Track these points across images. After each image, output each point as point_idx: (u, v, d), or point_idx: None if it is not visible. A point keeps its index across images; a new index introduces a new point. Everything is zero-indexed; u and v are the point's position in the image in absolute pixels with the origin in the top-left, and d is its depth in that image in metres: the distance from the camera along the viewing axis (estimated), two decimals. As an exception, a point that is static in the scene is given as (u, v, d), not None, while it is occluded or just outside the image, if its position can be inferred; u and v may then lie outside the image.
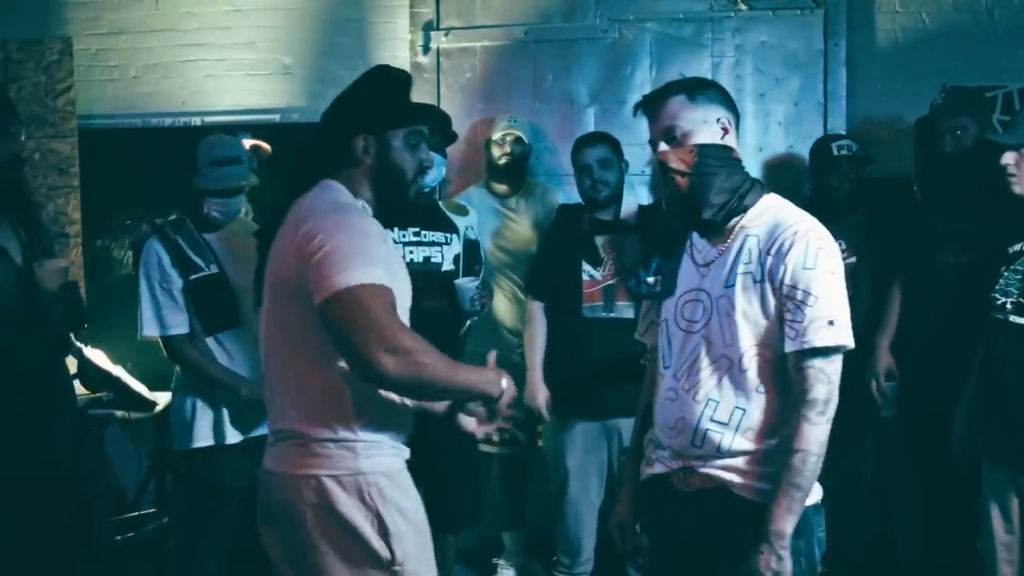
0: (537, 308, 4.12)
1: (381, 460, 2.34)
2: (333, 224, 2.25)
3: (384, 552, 2.30)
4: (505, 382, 2.40)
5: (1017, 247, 3.25)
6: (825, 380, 2.29)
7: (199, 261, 3.69)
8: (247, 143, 4.62)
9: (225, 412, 3.71)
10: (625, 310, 3.92)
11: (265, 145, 4.76)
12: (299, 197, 2.41)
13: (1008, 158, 3.17)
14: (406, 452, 2.46)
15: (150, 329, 3.71)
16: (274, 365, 2.42)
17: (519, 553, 4.61)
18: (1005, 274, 3.25)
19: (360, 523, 2.30)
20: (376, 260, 2.22)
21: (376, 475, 2.33)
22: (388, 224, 2.77)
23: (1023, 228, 3.27)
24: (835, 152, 4.27)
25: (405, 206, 2.55)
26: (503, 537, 4.60)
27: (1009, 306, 3.21)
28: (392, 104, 2.48)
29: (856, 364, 3.97)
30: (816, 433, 2.27)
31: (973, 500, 3.43)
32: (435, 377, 2.22)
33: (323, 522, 2.30)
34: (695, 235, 2.52)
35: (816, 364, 2.28)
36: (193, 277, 3.68)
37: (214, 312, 3.70)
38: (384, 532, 2.31)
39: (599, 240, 4.01)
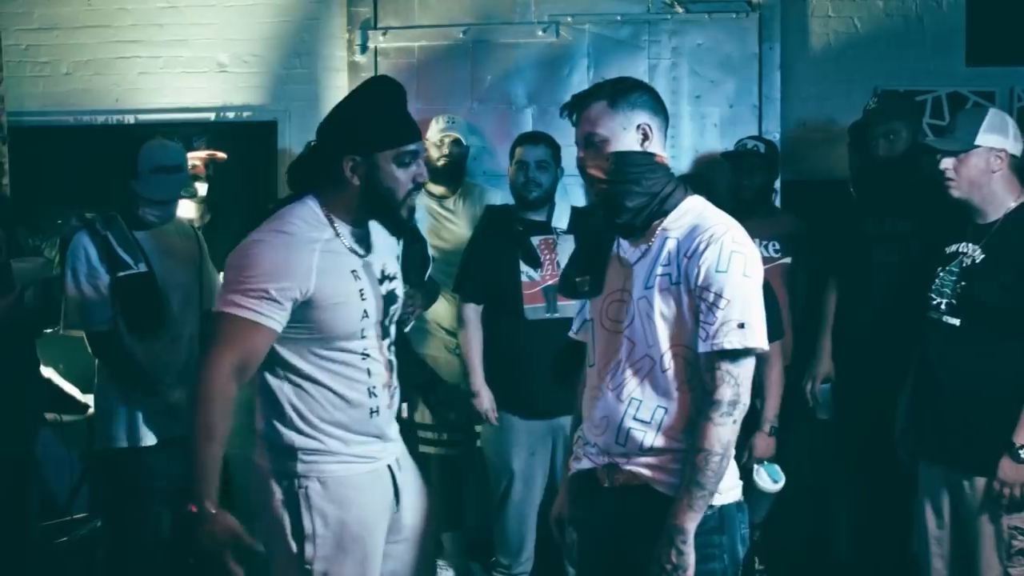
0: (471, 311, 4.08)
1: (319, 466, 2.44)
2: (252, 248, 2.39)
3: (294, 549, 2.47)
4: (215, 512, 2.32)
5: (953, 248, 3.31)
6: (732, 382, 2.30)
7: (127, 259, 3.63)
8: (202, 154, 4.59)
9: (140, 414, 3.67)
10: (567, 310, 3.88)
11: (220, 154, 4.70)
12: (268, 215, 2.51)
13: (947, 163, 3.23)
14: (363, 460, 2.56)
15: (72, 324, 3.67)
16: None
17: (458, 554, 4.60)
18: (940, 274, 3.31)
19: (283, 519, 2.49)
20: (261, 295, 2.33)
21: (310, 479, 2.47)
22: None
23: (958, 229, 3.33)
24: (739, 149, 4.36)
25: (397, 225, 2.59)
26: (442, 539, 4.59)
27: (943, 306, 3.27)
28: (383, 123, 2.48)
29: (796, 366, 4.07)
30: (719, 433, 2.30)
31: (909, 499, 3.49)
32: (193, 431, 2.32)
33: (261, 509, 2.52)
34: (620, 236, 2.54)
35: (724, 366, 2.30)
36: (120, 274, 3.62)
37: (139, 311, 3.65)
38: (300, 534, 2.47)
39: (535, 241, 4.02)
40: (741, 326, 2.28)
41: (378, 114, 2.49)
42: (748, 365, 2.34)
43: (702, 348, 2.31)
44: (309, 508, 2.47)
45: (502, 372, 4.05)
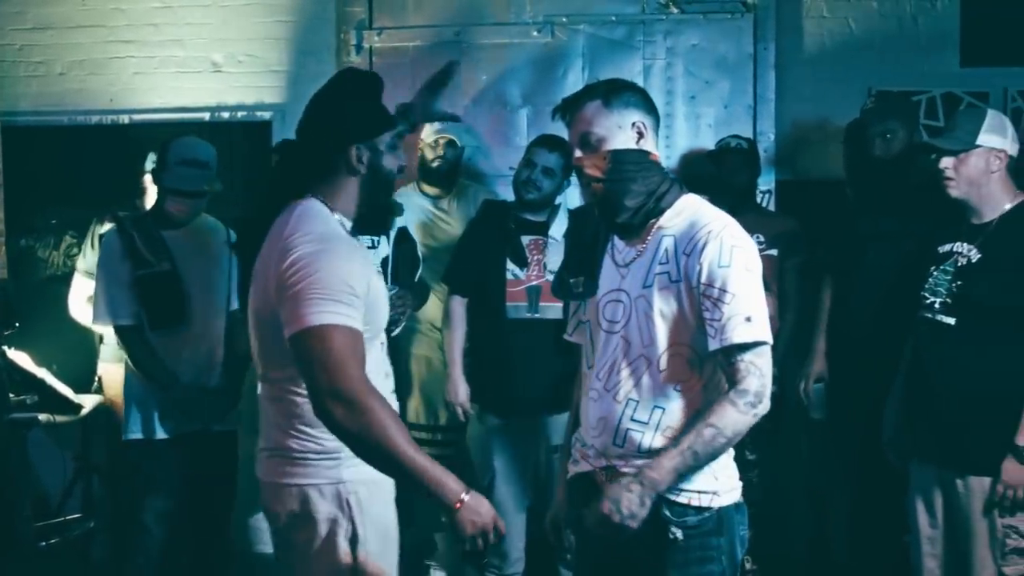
0: (458, 303, 4.09)
1: (363, 469, 2.37)
2: (314, 258, 2.28)
3: (347, 558, 2.40)
4: (469, 499, 2.27)
5: (947, 247, 3.31)
6: (757, 372, 2.29)
7: (150, 257, 3.77)
8: None
9: (157, 407, 3.79)
10: (548, 310, 3.90)
11: None
12: (280, 212, 2.44)
13: (946, 162, 3.24)
14: None
15: (100, 319, 3.84)
16: (263, 381, 2.49)
17: (450, 553, 4.59)
18: (935, 273, 3.31)
19: (332, 531, 2.40)
20: (350, 300, 2.26)
21: (356, 484, 2.42)
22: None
23: (952, 229, 3.33)
24: (720, 147, 4.39)
25: (389, 210, 2.65)
26: (435, 539, 4.58)
27: (938, 305, 3.27)
28: (376, 109, 2.51)
29: (789, 365, 4.07)
30: (736, 420, 2.28)
31: (902, 498, 3.48)
32: (384, 442, 2.21)
33: (301, 527, 2.41)
34: (616, 236, 2.54)
35: (745, 358, 2.29)
36: (141, 272, 3.76)
37: (160, 309, 3.78)
38: (354, 539, 2.41)
39: (525, 240, 4.01)
40: (748, 319, 2.28)
41: (369, 101, 2.50)
42: (767, 355, 2.33)
43: (712, 346, 2.31)
44: (361, 512, 2.41)
45: (483, 371, 4.05)
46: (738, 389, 2.29)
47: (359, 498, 2.41)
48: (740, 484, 2.49)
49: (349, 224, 2.50)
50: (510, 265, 3.97)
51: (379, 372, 2.45)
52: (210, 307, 3.88)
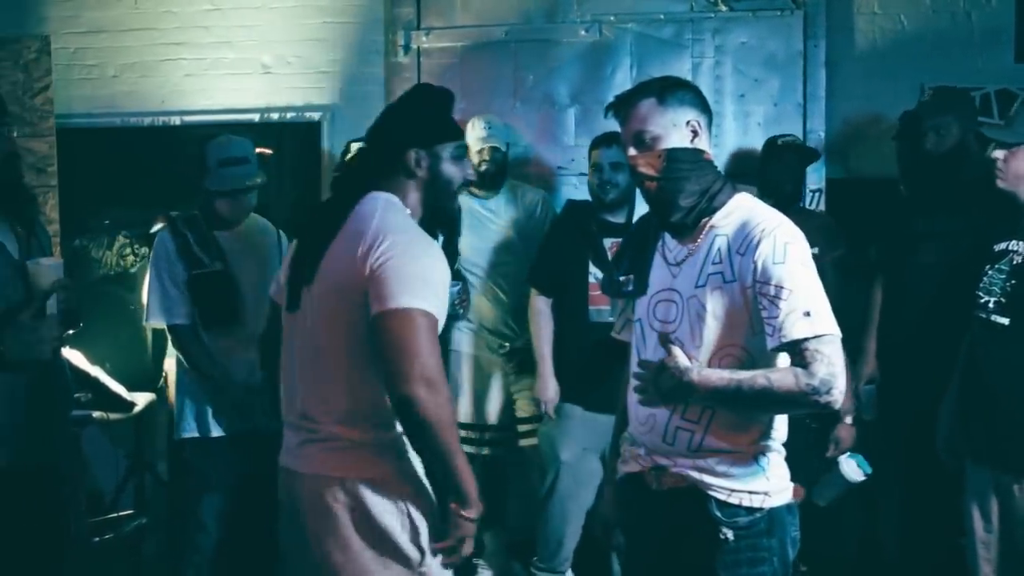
0: (542, 303, 4.11)
1: (416, 464, 2.41)
2: (408, 245, 2.34)
3: (414, 553, 2.40)
4: (475, 513, 2.39)
5: (1003, 245, 3.27)
6: (825, 360, 2.22)
7: (203, 257, 3.80)
8: None
9: (210, 406, 3.82)
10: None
11: (265, 150, 4.87)
12: (349, 206, 2.47)
13: (997, 154, 3.20)
14: None
15: (154, 318, 3.87)
16: (314, 367, 2.46)
17: (499, 553, 4.60)
18: (989, 272, 3.26)
19: (392, 525, 2.39)
20: (435, 291, 2.32)
21: (411, 477, 2.43)
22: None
23: (1008, 226, 3.28)
24: (779, 143, 4.33)
25: (451, 216, 2.66)
26: (483, 537, 4.59)
27: (992, 305, 3.22)
28: (440, 119, 2.57)
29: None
30: (791, 391, 2.22)
31: (955, 499, 3.44)
32: (446, 433, 2.27)
33: (355, 523, 2.39)
34: (667, 235, 2.53)
35: (811, 346, 2.23)
36: (195, 272, 3.79)
37: (213, 308, 3.81)
38: (415, 533, 2.40)
39: (607, 243, 3.98)
40: (807, 314, 2.24)
41: (433, 111, 2.57)
42: (834, 344, 2.26)
43: (771, 344, 2.27)
44: (419, 505, 2.42)
45: (565, 365, 4.06)
46: (808, 371, 2.22)
47: (414, 491, 2.42)
48: (791, 485, 2.46)
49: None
50: (592, 268, 3.96)
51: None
52: (261, 307, 3.86)
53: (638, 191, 3.91)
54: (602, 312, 3.93)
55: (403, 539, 2.39)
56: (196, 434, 3.84)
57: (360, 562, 2.39)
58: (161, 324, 3.89)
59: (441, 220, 2.63)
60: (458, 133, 2.60)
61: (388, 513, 2.38)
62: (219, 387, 3.79)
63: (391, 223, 2.39)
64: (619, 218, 4.03)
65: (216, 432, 3.83)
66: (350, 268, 2.36)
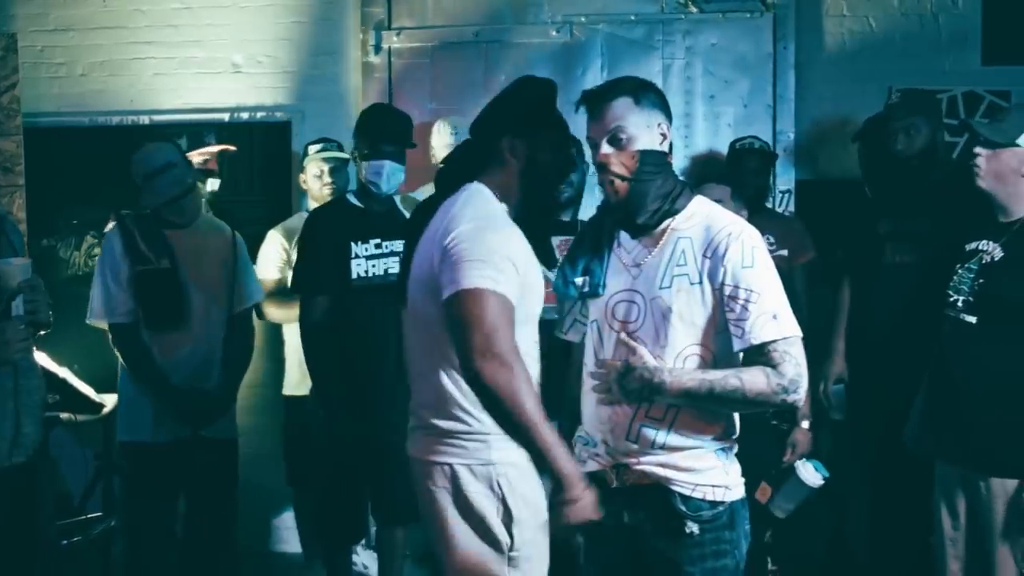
0: None
1: (511, 452, 2.42)
2: (477, 229, 2.38)
3: (504, 538, 2.47)
4: (584, 492, 2.29)
5: (973, 245, 3.29)
6: (792, 361, 2.32)
7: (150, 255, 3.72)
8: (213, 149, 4.64)
9: (151, 410, 3.76)
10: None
11: (230, 147, 4.86)
12: (447, 197, 2.54)
13: (979, 151, 3.19)
14: None
15: (95, 316, 3.80)
16: (414, 359, 2.57)
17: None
18: (959, 271, 3.29)
19: (486, 509, 2.47)
20: (507, 271, 2.34)
21: (506, 465, 2.47)
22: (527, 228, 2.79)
23: (981, 227, 3.30)
24: (736, 147, 4.38)
25: (549, 207, 2.77)
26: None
27: (960, 303, 3.24)
28: (538, 108, 2.59)
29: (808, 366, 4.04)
30: (762, 390, 2.31)
31: (925, 499, 3.46)
32: (521, 407, 2.26)
33: (453, 505, 2.49)
34: (622, 235, 2.54)
35: (779, 347, 2.32)
36: (140, 269, 3.71)
37: (157, 308, 3.73)
38: (508, 519, 2.46)
39: (555, 241, 3.99)
40: (774, 317, 2.32)
41: (534, 100, 2.60)
42: (799, 345, 2.35)
43: (738, 346, 2.34)
44: (513, 492, 2.46)
45: None
46: (777, 371, 2.31)
47: (509, 479, 2.46)
48: (743, 480, 2.52)
49: (510, 213, 2.58)
50: (540, 267, 3.94)
51: (529, 356, 2.48)
52: (210, 308, 3.84)
53: (585, 189, 3.98)
54: (548, 311, 3.93)
55: (495, 523, 2.46)
56: (127, 438, 3.79)
57: (454, 541, 2.49)
58: (102, 323, 3.81)
59: (538, 207, 2.67)
60: (552, 120, 2.61)
61: (483, 496, 2.46)
62: (156, 390, 3.71)
63: (468, 211, 2.44)
64: (565, 216, 4.01)
65: (148, 438, 3.75)
66: (429, 260, 2.43)
